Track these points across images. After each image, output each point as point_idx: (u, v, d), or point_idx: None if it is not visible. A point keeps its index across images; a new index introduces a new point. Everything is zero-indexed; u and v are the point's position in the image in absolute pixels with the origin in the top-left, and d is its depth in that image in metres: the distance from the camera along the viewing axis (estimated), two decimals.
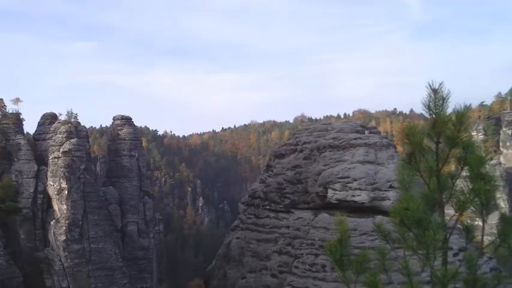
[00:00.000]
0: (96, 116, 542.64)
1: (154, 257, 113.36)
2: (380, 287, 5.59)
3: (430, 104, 5.18)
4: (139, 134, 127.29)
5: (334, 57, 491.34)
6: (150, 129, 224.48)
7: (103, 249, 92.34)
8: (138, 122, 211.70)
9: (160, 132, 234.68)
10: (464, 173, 5.36)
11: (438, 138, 5.19)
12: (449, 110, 5.16)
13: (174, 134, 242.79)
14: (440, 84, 5.16)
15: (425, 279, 5.30)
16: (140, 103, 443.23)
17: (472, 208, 5.32)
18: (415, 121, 5.66)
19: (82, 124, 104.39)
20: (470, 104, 5.11)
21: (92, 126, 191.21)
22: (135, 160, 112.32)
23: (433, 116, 5.18)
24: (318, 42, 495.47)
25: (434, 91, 5.15)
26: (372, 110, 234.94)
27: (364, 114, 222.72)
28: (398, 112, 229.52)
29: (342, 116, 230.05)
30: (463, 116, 5.08)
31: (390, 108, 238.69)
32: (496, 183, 5.26)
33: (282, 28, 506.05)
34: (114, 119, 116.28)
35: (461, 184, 5.37)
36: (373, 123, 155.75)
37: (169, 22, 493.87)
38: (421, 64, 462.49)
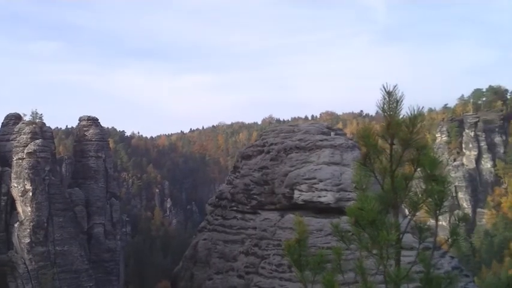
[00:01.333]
0: (61, 117, 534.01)
1: (121, 259, 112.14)
2: (336, 287, 5.65)
3: (385, 106, 5.27)
4: (106, 134, 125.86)
5: (302, 59, 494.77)
6: (118, 130, 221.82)
7: (68, 252, 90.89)
8: (105, 123, 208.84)
9: (128, 133, 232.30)
10: (418, 174, 5.45)
11: (392, 139, 5.28)
12: (403, 112, 5.25)
13: (141, 135, 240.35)
14: (395, 86, 5.25)
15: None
16: (107, 104, 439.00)
17: (426, 208, 5.43)
18: (370, 123, 5.74)
19: (47, 125, 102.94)
20: (422, 107, 5.21)
21: (57, 127, 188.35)
22: (101, 161, 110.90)
23: (387, 118, 5.27)
24: (285, 43, 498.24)
25: (389, 93, 5.24)
26: (339, 112, 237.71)
27: (331, 116, 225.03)
28: (364, 114, 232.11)
29: (310, 118, 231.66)
30: (416, 118, 5.17)
31: (357, 110, 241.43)
32: (448, 185, 5.36)
33: (250, 29, 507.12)
34: (80, 119, 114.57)
35: (416, 185, 5.47)
36: (340, 125, 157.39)
37: (137, 22, 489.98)
38: (386, 67, 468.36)
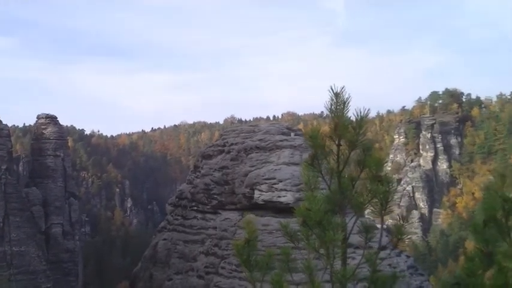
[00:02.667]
0: (19, 114, 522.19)
1: (80, 259, 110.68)
2: (284, 287, 5.67)
3: (332, 107, 5.32)
4: (65, 133, 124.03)
5: (264, 59, 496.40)
6: (77, 129, 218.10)
7: (25, 253, 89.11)
8: (64, 121, 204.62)
9: (88, 132, 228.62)
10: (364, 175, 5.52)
11: (339, 140, 5.34)
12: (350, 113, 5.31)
13: (101, 134, 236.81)
14: (342, 88, 5.31)
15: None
16: (66, 101, 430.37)
17: (372, 208, 5.51)
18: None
19: (4, 122, 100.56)
20: (369, 109, 5.28)
21: (14, 125, 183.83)
22: (60, 160, 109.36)
23: (335, 119, 5.33)
24: (247, 44, 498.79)
25: (336, 95, 5.30)
26: (300, 113, 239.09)
27: (293, 116, 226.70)
28: (325, 115, 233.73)
29: (271, 118, 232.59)
30: (362, 120, 5.24)
31: (318, 111, 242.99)
32: (393, 185, 5.44)
33: (213, 29, 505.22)
34: (38, 117, 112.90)
35: (362, 185, 5.54)
36: (301, 126, 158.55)
37: (98, 19, 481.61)
38: (347, 68, 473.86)
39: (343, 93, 5.31)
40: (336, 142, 5.37)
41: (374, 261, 5.62)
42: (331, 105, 5.34)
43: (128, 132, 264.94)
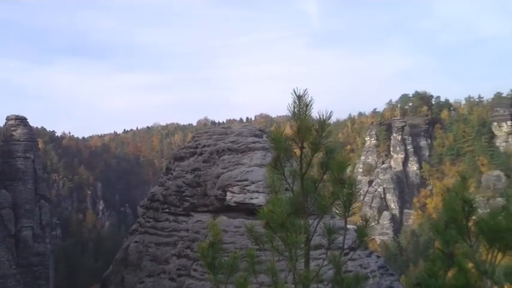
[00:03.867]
0: None
1: (50, 263, 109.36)
2: None
3: (295, 110, 5.33)
4: (35, 135, 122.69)
5: (237, 61, 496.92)
6: (47, 130, 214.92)
7: None
8: (34, 123, 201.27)
9: (58, 133, 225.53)
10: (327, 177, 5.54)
11: (302, 143, 5.35)
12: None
13: (73, 136, 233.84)
14: (305, 90, 5.33)
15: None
16: (36, 103, 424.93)
17: (336, 211, 5.54)
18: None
19: None
20: (331, 111, 5.30)
21: None
22: (30, 162, 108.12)
23: (298, 121, 5.34)
24: (220, 45, 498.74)
25: (299, 97, 5.31)
26: (273, 115, 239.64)
27: (266, 118, 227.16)
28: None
29: (245, 120, 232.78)
30: (324, 122, 5.27)
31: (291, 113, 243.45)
32: (356, 188, 5.47)
33: (186, 30, 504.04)
34: (8, 118, 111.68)
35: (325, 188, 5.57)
36: (273, 128, 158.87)
37: (68, 18, 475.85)
38: (319, 71, 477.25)
39: (306, 96, 5.33)
40: (299, 144, 5.39)
41: (337, 262, 5.65)
42: (294, 107, 5.35)
43: (99, 134, 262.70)
